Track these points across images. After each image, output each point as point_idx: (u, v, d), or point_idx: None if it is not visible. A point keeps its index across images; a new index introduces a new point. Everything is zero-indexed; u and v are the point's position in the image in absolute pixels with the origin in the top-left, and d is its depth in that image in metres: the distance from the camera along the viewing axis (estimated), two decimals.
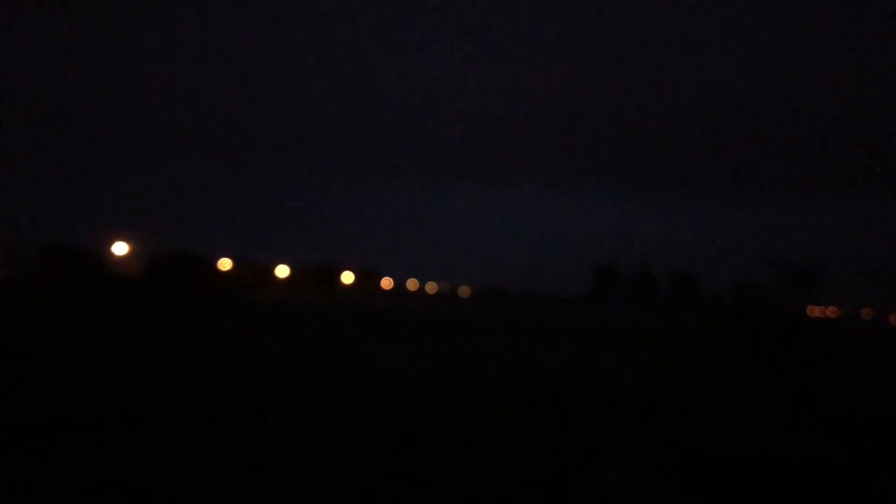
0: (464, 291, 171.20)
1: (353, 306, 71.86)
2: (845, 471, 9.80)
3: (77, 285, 64.32)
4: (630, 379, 20.69)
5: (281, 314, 48.76)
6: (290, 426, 11.43)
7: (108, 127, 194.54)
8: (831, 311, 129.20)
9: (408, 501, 8.10)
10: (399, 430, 11.60)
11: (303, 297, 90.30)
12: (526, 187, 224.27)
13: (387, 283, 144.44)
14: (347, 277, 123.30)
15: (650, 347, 35.43)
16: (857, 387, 21.80)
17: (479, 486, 8.67)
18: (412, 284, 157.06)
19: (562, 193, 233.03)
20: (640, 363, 26.08)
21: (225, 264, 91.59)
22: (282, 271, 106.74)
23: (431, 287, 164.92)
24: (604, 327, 55.03)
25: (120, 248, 71.46)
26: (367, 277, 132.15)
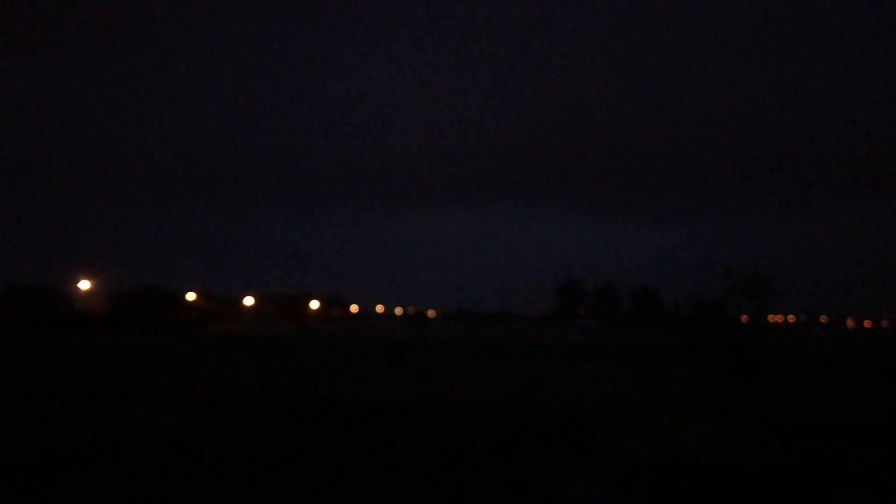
0: (431, 314, 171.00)
1: (320, 334, 71.49)
2: (809, 477, 10.12)
3: (42, 323, 63.33)
4: (595, 394, 21.01)
5: (248, 345, 48.49)
6: (263, 457, 11.54)
7: (70, 166, 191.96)
8: (790, 318, 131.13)
9: None
10: (368, 456, 11.74)
11: (270, 326, 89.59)
12: (489, 209, 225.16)
13: (354, 309, 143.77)
14: (314, 305, 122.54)
15: (614, 363, 35.89)
16: (818, 392, 22.34)
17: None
18: (380, 309, 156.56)
19: (524, 214, 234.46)
20: (605, 378, 26.45)
21: (191, 297, 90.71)
22: (248, 302, 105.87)
23: (398, 311, 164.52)
24: (568, 344, 55.43)
25: (84, 285, 70.66)
26: (334, 305, 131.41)
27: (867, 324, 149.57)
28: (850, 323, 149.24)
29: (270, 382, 23.06)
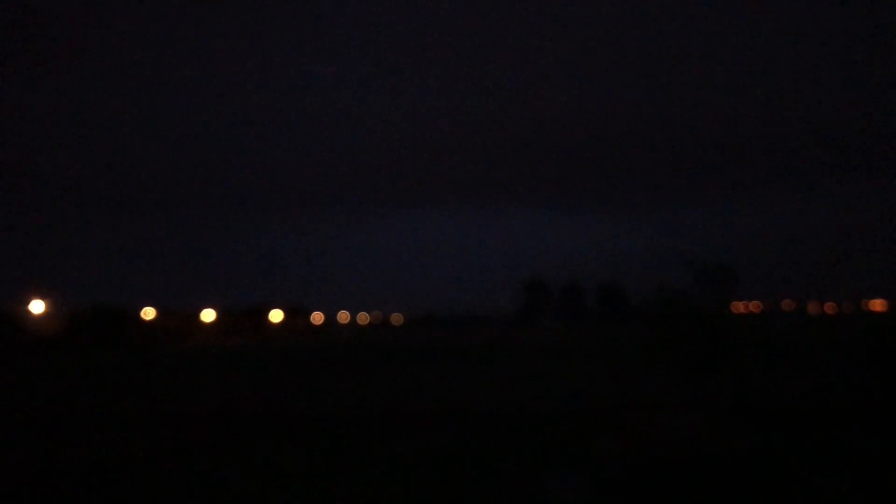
0: (396, 319, 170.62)
1: (283, 346, 70.82)
2: (778, 463, 10.06)
3: None
4: (563, 394, 20.93)
5: (209, 361, 47.75)
6: (227, 472, 11.24)
7: (10, 182, 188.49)
8: (754, 306, 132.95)
9: None
10: (339, 464, 11.49)
11: (231, 341, 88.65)
12: (448, 209, 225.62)
13: (317, 317, 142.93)
14: (276, 316, 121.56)
15: (581, 361, 35.91)
16: (783, 380, 22.48)
17: None
18: (343, 317, 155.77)
19: (485, 213, 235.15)
20: (572, 377, 26.41)
21: (148, 314, 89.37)
22: (207, 316, 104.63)
23: (363, 318, 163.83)
24: (535, 344, 55.51)
25: (36, 307, 69.07)
26: (296, 314, 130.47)
27: (829, 308, 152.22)
28: (812, 308, 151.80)
29: (234, 400, 22.60)
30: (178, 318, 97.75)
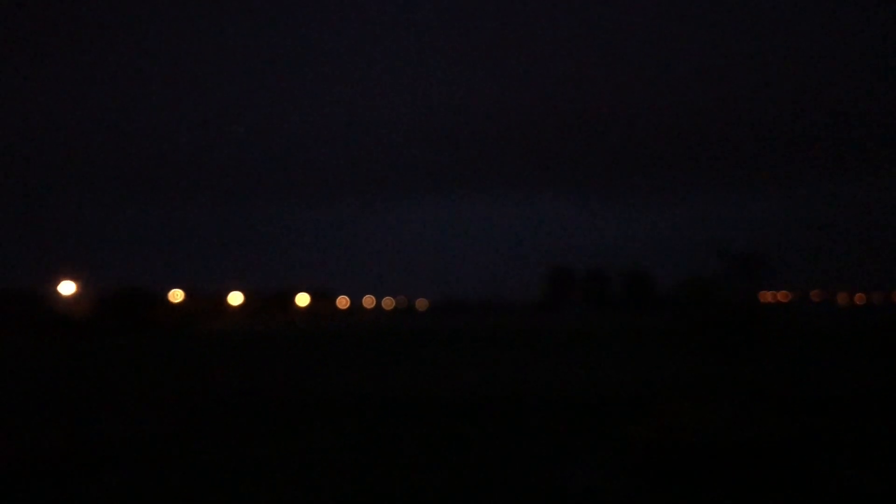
0: (421, 304, 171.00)
1: (310, 329, 71.29)
2: (804, 452, 9.99)
3: (23, 330, 62.51)
4: (588, 380, 20.85)
5: (238, 343, 48.17)
6: (263, 456, 11.33)
7: (45, 163, 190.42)
8: (782, 296, 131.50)
9: None
10: (367, 449, 11.54)
11: (259, 323, 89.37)
12: (475, 195, 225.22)
13: (343, 302, 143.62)
14: (302, 300, 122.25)
15: (607, 348, 35.76)
16: (811, 368, 22.26)
17: (455, 494, 8.67)
18: (369, 301, 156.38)
19: (513, 199, 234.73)
20: (598, 364, 26.30)
21: (176, 296, 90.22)
22: (235, 299, 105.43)
23: (388, 303, 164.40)
24: (561, 331, 55.40)
25: (67, 288, 69.86)
26: (322, 298, 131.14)
27: (859, 299, 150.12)
28: (842, 298, 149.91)
29: (262, 382, 22.78)
30: (206, 300, 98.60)
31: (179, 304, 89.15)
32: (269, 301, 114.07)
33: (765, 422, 10.44)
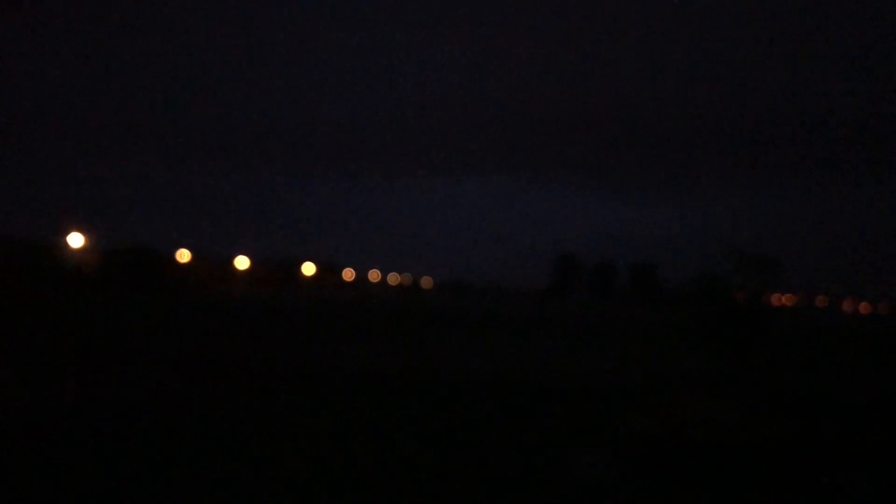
0: (426, 282, 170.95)
1: (316, 299, 71.42)
2: (805, 454, 9.96)
3: (30, 279, 62.53)
4: (593, 371, 20.83)
5: (243, 309, 48.30)
6: (273, 424, 11.36)
7: (64, 120, 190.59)
8: (787, 299, 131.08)
9: (383, 496, 8.06)
10: (372, 427, 11.54)
11: (264, 290, 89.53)
12: (488, 179, 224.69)
13: (348, 274, 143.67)
14: (309, 269, 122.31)
15: (612, 339, 35.75)
16: (815, 371, 22.22)
17: (456, 483, 8.66)
18: (374, 275, 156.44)
19: (525, 187, 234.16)
20: (603, 355, 26.28)
21: (183, 256, 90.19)
22: (241, 263, 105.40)
23: (393, 278, 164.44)
24: (565, 320, 55.37)
25: (75, 240, 69.78)
26: (328, 269, 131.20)
27: (864, 308, 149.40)
28: (847, 306, 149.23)
29: (262, 352, 22.84)
30: (213, 264, 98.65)
31: (186, 265, 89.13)
32: (275, 269, 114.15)
33: (768, 422, 10.40)
